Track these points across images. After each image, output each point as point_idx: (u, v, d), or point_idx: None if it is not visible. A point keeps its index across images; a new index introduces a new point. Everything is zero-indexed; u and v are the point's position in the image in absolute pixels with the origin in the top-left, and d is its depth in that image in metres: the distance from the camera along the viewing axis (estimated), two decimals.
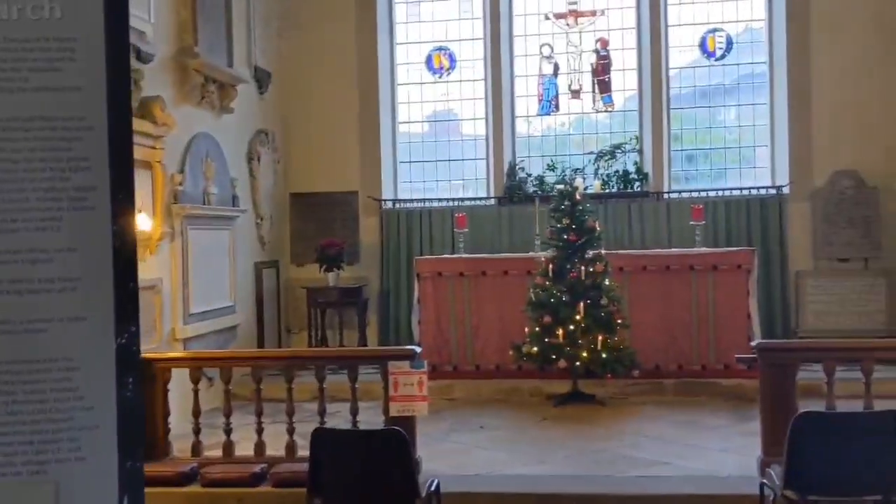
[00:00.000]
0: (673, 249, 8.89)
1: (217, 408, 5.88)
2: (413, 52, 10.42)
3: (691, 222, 8.81)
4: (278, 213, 9.94)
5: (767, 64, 10.02)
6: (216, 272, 8.14)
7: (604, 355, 7.62)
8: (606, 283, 7.79)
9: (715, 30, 10.14)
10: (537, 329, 7.81)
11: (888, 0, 9.36)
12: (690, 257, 8.51)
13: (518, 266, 8.65)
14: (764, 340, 5.19)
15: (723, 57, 10.15)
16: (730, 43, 10.14)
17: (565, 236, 7.88)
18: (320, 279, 9.53)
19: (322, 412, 5.43)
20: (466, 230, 9.15)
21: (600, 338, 7.66)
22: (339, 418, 5.93)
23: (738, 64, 10.21)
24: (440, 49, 10.38)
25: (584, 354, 7.63)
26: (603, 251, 7.97)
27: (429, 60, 10.40)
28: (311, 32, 10.04)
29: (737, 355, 5.74)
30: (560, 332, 7.68)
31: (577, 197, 7.97)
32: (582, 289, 7.74)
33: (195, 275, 7.61)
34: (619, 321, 7.80)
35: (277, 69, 9.86)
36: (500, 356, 8.46)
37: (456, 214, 9.28)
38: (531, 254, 8.69)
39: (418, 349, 5.75)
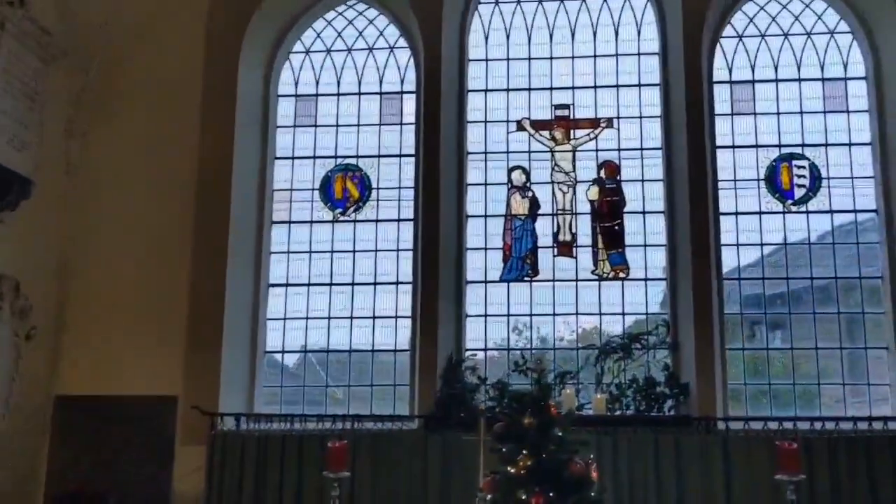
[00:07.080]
0: None
1: None
2: (302, 171, 6.55)
3: (778, 476, 4.57)
4: (24, 432, 5.60)
5: (879, 214, 6.10)
6: None
7: None
8: None
9: (792, 156, 6.32)
10: None
11: None
12: None
13: None
14: None
15: (806, 198, 6.23)
16: (815, 177, 6.27)
17: (524, 496, 3.51)
18: None
19: None
20: (345, 474, 4.75)
21: None
22: None
23: (830, 212, 6.25)
24: (345, 169, 6.53)
25: None
26: None
27: (327, 186, 6.50)
28: (122, 124, 6.28)
29: None
30: None
31: (552, 411, 3.66)
32: None
33: None
34: None
35: (48, 175, 5.85)
36: None
37: (330, 444, 4.92)
38: None
39: None
